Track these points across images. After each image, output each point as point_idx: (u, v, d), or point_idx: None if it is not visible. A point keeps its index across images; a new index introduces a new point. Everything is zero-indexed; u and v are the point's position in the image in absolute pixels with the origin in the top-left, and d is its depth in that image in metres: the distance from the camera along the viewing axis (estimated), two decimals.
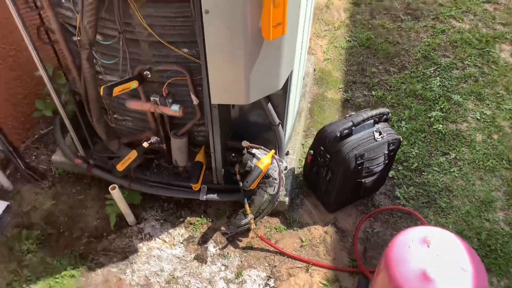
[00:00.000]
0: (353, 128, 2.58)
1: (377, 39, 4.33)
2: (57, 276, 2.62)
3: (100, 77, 2.49)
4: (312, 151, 2.77)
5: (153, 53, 2.24)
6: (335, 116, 3.64)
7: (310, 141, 3.33)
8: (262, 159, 2.58)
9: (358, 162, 2.52)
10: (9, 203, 2.85)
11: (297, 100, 3.12)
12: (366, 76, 3.99)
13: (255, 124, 2.93)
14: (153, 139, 2.65)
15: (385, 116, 2.67)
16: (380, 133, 2.59)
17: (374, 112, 2.58)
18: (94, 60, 2.39)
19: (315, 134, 2.82)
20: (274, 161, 2.61)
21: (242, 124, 2.90)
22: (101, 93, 1.99)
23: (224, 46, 1.97)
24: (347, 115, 2.73)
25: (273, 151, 2.62)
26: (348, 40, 4.37)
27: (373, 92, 3.81)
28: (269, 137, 2.95)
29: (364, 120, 2.55)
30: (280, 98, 2.56)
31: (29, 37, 2.28)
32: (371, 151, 2.55)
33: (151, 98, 2.41)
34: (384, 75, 3.99)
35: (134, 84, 2.11)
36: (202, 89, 2.28)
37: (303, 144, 3.39)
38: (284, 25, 1.91)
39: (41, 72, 2.44)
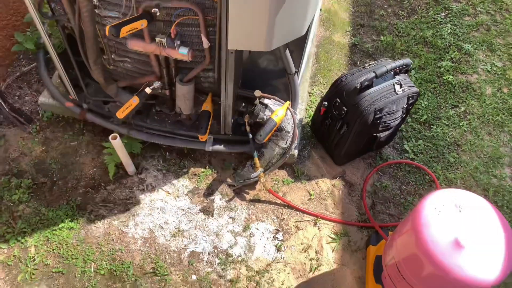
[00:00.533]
0: (374, 79, 2.41)
1: None
2: (54, 228, 2.48)
3: (97, 11, 2.17)
4: (326, 103, 2.60)
5: None
6: (342, 63, 3.45)
7: (317, 88, 3.17)
8: (276, 111, 2.40)
9: (376, 117, 2.39)
10: None
11: (309, 45, 2.89)
12: (375, 19, 3.75)
13: (266, 71, 2.73)
14: (156, 84, 2.41)
15: (406, 68, 2.50)
16: (401, 86, 2.44)
17: (398, 63, 2.40)
18: None
19: (331, 84, 2.64)
20: (288, 113, 2.44)
21: (252, 71, 2.68)
22: (107, 33, 1.71)
23: None
24: (366, 65, 2.55)
25: (288, 102, 2.44)
26: None
27: (382, 38, 3.60)
28: (278, 85, 2.77)
29: (387, 72, 2.37)
30: (297, 43, 2.33)
31: None
32: (390, 105, 2.42)
33: (157, 39, 2.14)
34: (393, 19, 3.76)
35: (143, 24, 1.83)
36: (217, 31, 2.03)
37: (309, 92, 3.21)
38: None
39: (28, 4, 2.10)
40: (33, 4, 2.15)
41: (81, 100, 2.73)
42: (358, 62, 3.42)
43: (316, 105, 3.07)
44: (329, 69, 3.39)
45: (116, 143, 2.36)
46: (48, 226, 2.49)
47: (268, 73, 2.73)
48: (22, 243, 2.43)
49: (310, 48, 3.24)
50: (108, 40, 2.35)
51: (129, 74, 2.57)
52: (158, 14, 1.95)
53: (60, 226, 2.49)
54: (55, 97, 2.77)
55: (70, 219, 2.51)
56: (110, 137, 2.35)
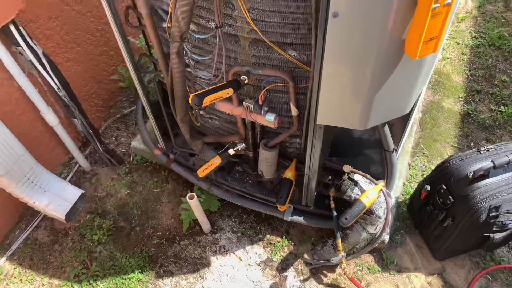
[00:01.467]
0: (493, 170, 2.01)
1: None
2: (124, 277, 2.46)
3: (189, 70, 2.16)
4: (428, 187, 2.24)
5: (253, 53, 1.84)
6: (451, 134, 3.03)
7: (419, 161, 2.81)
8: (367, 192, 2.12)
9: (491, 215, 1.97)
10: (83, 191, 2.71)
11: (413, 115, 2.57)
12: (495, 86, 3.27)
13: (359, 140, 2.47)
14: (240, 146, 2.31)
15: None
16: None
17: None
18: (184, 52, 2.06)
19: (436, 166, 2.29)
20: (382, 195, 2.14)
21: (343, 139, 2.45)
22: (190, 102, 1.64)
23: (348, 58, 1.51)
24: (482, 148, 2.16)
25: (382, 183, 2.14)
26: (475, 37, 3.63)
27: (502, 108, 3.11)
28: (373, 155, 2.49)
29: (509, 163, 1.96)
30: (399, 118, 2.05)
31: (113, 18, 1.99)
32: (510, 203, 1.98)
33: (244, 103, 2.04)
34: None
35: (228, 93, 1.74)
36: (307, 103, 1.86)
37: (410, 164, 2.85)
38: (438, 41, 1.40)
39: (125, 58, 2.16)
40: (130, 59, 2.21)
41: (169, 150, 2.74)
42: (471, 136, 2.97)
43: (417, 183, 2.71)
44: (434, 140, 3.00)
45: (193, 203, 2.28)
46: (119, 273, 2.49)
47: (362, 142, 2.47)
48: (93, 286, 2.44)
49: (414, 115, 2.90)
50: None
51: (216, 131, 2.52)
52: (246, 81, 1.84)
53: (130, 275, 2.46)
54: (146, 143, 2.83)
55: (140, 270, 2.48)
56: (187, 196, 2.28)
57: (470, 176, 2.00)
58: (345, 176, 2.21)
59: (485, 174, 2.02)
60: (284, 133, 2.18)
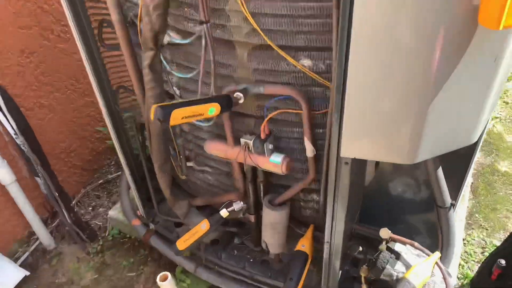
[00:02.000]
0: None
1: None
2: None
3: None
4: (503, 261, 1.56)
5: (253, 65, 1.36)
6: None
7: (476, 235, 2.16)
8: (414, 267, 1.45)
9: None
10: (28, 273, 2.09)
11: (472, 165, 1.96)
12: None
13: (400, 201, 1.85)
14: (237, 205, 1.72)
15: None
16: None
17: None
18: (166, 76, 1.60)
19: (509, 234, 1.63)
20: (437, 272, 1.46)
21: (377, 199, 1.83)
22: (151, 116, 1.12)
23: (388, 59, 0.99)
24: None
25: (437, 254, 1.47)
26: None
27: None
28: (418, 224, 1.84)
29: None
30: (458, 160, 1.47)
31: (82, 43, 1.58)
32: None
33: (242, 141, 1.51)
34: None
35: (212, 109, 1.21)
36: (327, 130, 1.32)
37: (464, 240, 2.16)
38: None
39: (96, 91, 1.72)
40: (105, 103, 1.76)
41: (150, 218, 2.15)
42: None
43: (476, 262, 2.00)
44: (493, 208, 2.34)
45: (166, 286, 1.63)
46: None
47: (403, 205, 1.84)
48: None
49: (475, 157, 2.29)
50: (185, 141, 1.81)
51: (209, 189, 1.95)
52: (241, 100, 1.33)
53: None
54: (124, 212, 2.26)
55: None
56: (158, 277, 1.64)
57: None
58: (383, 246, 1.55)
59: None
60: (297, 185, 1.60)
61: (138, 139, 1.92)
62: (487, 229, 2.25)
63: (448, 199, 1.50)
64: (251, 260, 1.90)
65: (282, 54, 1.27)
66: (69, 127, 2.44)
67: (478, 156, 2.69)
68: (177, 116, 1.13)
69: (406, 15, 0.92)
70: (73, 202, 2.45)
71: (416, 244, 1.53)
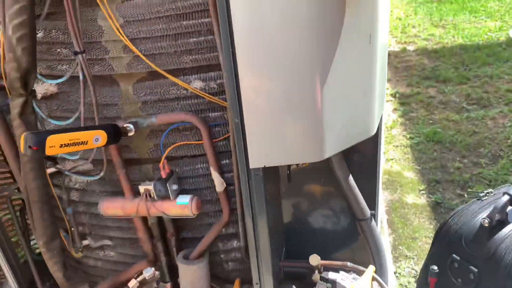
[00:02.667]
0: (510, 208, 1.40)
1: (446, 131, 3.39)
2: None
3: (54, 170, 1.47)
4: (436, 267, 1.50)
5: (141, 98, 1.27)
6: (428, 227, 2.45)
7: (405, 265, 2.12)
8: (353, 287, 1.33)
9: None
10: None
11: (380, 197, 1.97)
12: (452, 173, 2.90)
13: (319, 230, 1.74)
14: (147, 272, 1.47)
15: None
16: None
17: None
18: (42, 126, 1.41)
19: (433, 237, 1.62)
20: (376, 285, 1.35)
21: (298, 232, 1.72)
22: (21, 148, 0.94)
23: (271, 46, 1.00)
24: (482, 194, 1.57)
25: (371, 268, 1.38)
26: (411, 137, 3.45)
27: (470, 189, 2.68)
28: (348, 251, 1.73)
29: None
30: (367, 165, 1.46)
31: None
32: None
33: (141, 188, 1.34)
34: (475, 168, 2.90)
35: (97, 137, 1.06)
36: (232, 146, 1.24)
37: (396, 273, 2.11)
38: None
39: None
40: None
41: None
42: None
43: (416, 284, 1.93)
44: (413, 238, 2.37)
45: None
46: None
47: (326, 233, 1.72)
48: None
49: (380, 215, 2.30)
50: (76, 214, 1.56)
51: (114, 268, 1.66)
52: (132, 132, 1.20)
53: None
54: None
55: None
56: None
57: (486, 224, 1.35)
58: (316, 276, 1.41)
59: (503, 219, 1.38)
60: (212, 229, 1.43)
61: (17, 222, 1.62)
62: (413, 258, 2.23)
63: (367, 210, 1.46)
64: None
65: (170, 77, 1.22)
66: None
67: (385, 194, 2.79)
68: (54, 143, 0.96)
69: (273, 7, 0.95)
70: None
71: (348, 263, 1.42)
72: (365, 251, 1.55)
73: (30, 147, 0.92)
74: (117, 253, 1.62)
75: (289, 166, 1.33)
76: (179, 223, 1.46)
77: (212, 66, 1.24)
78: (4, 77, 1.19)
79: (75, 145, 1.01)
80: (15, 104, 1.19)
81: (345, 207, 1.54)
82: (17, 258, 1.69)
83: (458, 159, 3.06)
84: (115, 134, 1.13)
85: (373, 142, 1.41)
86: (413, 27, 5.79)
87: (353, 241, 1.63)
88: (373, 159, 1.43)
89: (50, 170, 1.43)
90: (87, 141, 1.04)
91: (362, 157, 1.45)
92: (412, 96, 4.07)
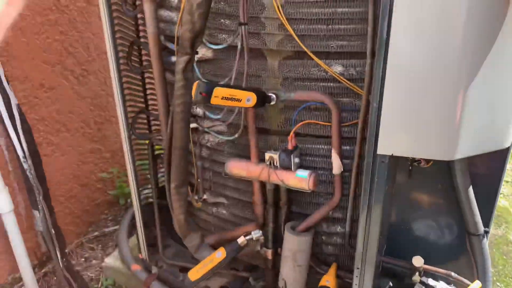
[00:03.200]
0: None
1: None
2: None
3: (195, 125, 1.68)
4: None
5: (284, 75, 1.41)
6: None
7: None
8: None
9: None
10: None
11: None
12: None
13: (422, 236, 1.73)
14: (256, 233, 1.60)
15: None
16: None
17: None
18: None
19: None
20: None
21: (401, 233, 1.72)
22: (193, 91, 1.11)
23: (426, 46, 1.06)
24: None
25: (478, 283, 1.35)
26: None
27: None
28: (449, 265, 1.70)
29: None
30: (488, 180, 1.43)
31: (114, 62, 1.64)
32: None
33: (266, 155, 1.48)
34: None
35: (249, 98, 1.22)
36: (359, 127, 1.32)
37: None
38: None
39: (119, 114, 1.72)
40: (127, 126, 1.75)
41: (153, 262, 1.97)
42: None
43: None
44: None
45: None
46: None
47: (428, 243, 1.71)
48: None
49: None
50: (202, 169, 1.76)
51: (222, 225, 1.84)
52: (274, 101, 1.34)
53: None
54: (123, 258, 2.08)
55: None
56: None
57: None
58: (416, 277, 1.42)
59: None
60: (321, 208, 1.52)
61: (151, 167, 1.86)
62: None
63: (481, 225, 1.43)
64: None
65: (315, 59, 1.33)
66: (73, 170, 2.37)
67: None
68: (218, 94, 1.13)
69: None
70: (66, 250, 2.26)
71: (453, 274, 1.41)
72: (467, 269, 1.51)
73: (200, 93, 1.10)
74: (228, 212, 1.79)
75: (412, 161, 1.36)
76: (291, 195, 1.57)
77: (355, 53, 1.32)
78: (175, 38, 1.40)
79: (232, 100, 1.17)
80: (181, 61, 1.40)
81: (455, 219, 1.52)
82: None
83: None
84: (262, 99, 1.28)
85: (501, 157, 1.38)
86: None
87: (455, 256, 1.60)
88: (497, 175, 1.40)
89: (192, 125, 1.64)
90: (241, 100, 1.19)
91: (486, 171, 1.42)
92: None
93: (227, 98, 1.15)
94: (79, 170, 2.40)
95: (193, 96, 1.12)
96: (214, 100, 1.12)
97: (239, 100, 1.18)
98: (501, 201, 2.90)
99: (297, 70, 1.39)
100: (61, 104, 2.21)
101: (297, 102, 1.43)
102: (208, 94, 1.10)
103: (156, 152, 1.89)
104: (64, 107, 2.23)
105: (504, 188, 3.05)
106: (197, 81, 1.14)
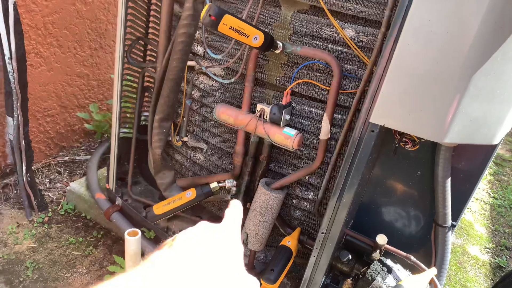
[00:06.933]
0: None
1: None
2: None
3: (193, 63, 1.64)
4: None
5: (294, 27, 1.38)
6: (481, 283, 2.34)
7: None
8: (410, 277, 1.35)
9: None
10: None
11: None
12: None
13: (389, 220, 1.77)
14: (230, 183, 1.59)
15: None
16: None
17: None
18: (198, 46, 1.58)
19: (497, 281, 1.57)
20: None
21: (370, 211, 1.75)
22: (203, 13, 1.08)
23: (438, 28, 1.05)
24: None
25: (434, 270, 1.38)
26: (494, 197, 3.28)
27: None
28: (409, 251, 1.74)
29: None
30: (467, 176, 1.46)
31: None
32: None
33: (258, 107, 1.46)
34: None
35: (256, 37, 1.19)
36: (356, 98, 1.31)
37: None
38: None
39: (118, 37, 1.66)
40: (122, 52, 1.69)
41: (118, 194, 1.94)
42: None
43: None
44: (463, 285, 2.28)
45: (132, 244, 1.41)
46: None
47: (393, 227, 1.74)
48: None
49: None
50: (190, 110, 1.73)
51: (196, 171, 1.82)
52: (278, 50, 1.32)
53: None
54: (90, 186, 2.04)
55: None
56: (126, 232, 1.43)
57: None
58: (377, 254, 1.45)
59: None
60: (300, 170, 1.52)
61: (138, 97, 1.82)
62: None
63: (450, 218, 1.46)
64: None
65: (330, 17, 1.31)
66: (56, 89, 2.29)
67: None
68: (227, 22, 1.09)
69: None
70: (33, 167, 2.20)
71: (412, 257, 1.43)
72: (426, 258, 1.55)
73: (210, 15, 1.06)
74: (206, 159, 1.77)
75: (400, 139, 1.36)
76: (273, 153, 1.56)
77: (370, 21, 1.31)
78: None
79: (240, 33, 1.13)
80: None
81: (425, 209, 1.55)
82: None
83: None
84: (269, 42, 1.25)
85: (484, 156, 1.41)
86: None
87: (417, 244, 1.63)
88: (477, 173, 1.42)
89: (189, 63, 1.60)
90: (249, 36, 1.16)
91: (467, 167, 1.45)
92: (510, 162, 3.86)
93: (235, 30, 1.11)
94: (62, 90, 2.33)
95: (201, 17, 1.08)
96: (221, 27, 1.08)
97: (246, 36, 1.15)
98: (467, 214, 2.97)
99: (309, 25, 1.36)
100: (59, 16, 2.12)
101: (301, 59, 1.41)
102: (218, 18, 1.06)
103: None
104: (61, 21, 2.15)
105: (473, 204, 3.13)
106: (209, 3, 1.10)
